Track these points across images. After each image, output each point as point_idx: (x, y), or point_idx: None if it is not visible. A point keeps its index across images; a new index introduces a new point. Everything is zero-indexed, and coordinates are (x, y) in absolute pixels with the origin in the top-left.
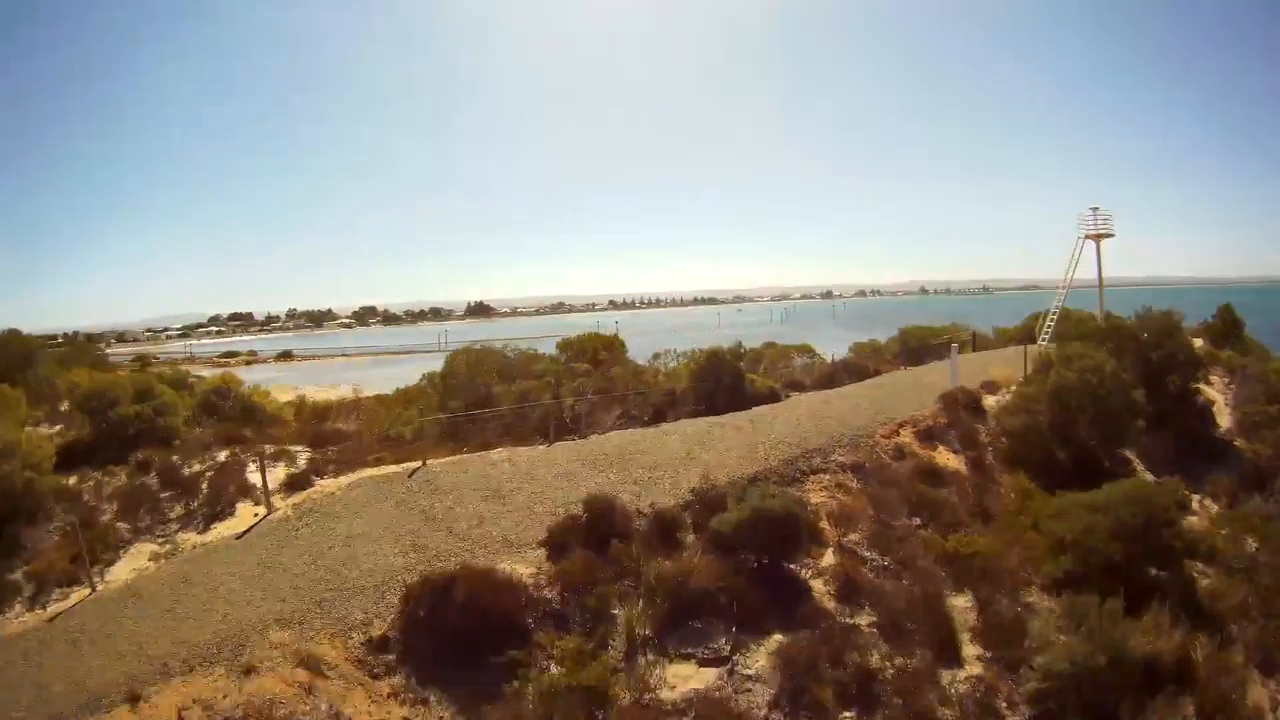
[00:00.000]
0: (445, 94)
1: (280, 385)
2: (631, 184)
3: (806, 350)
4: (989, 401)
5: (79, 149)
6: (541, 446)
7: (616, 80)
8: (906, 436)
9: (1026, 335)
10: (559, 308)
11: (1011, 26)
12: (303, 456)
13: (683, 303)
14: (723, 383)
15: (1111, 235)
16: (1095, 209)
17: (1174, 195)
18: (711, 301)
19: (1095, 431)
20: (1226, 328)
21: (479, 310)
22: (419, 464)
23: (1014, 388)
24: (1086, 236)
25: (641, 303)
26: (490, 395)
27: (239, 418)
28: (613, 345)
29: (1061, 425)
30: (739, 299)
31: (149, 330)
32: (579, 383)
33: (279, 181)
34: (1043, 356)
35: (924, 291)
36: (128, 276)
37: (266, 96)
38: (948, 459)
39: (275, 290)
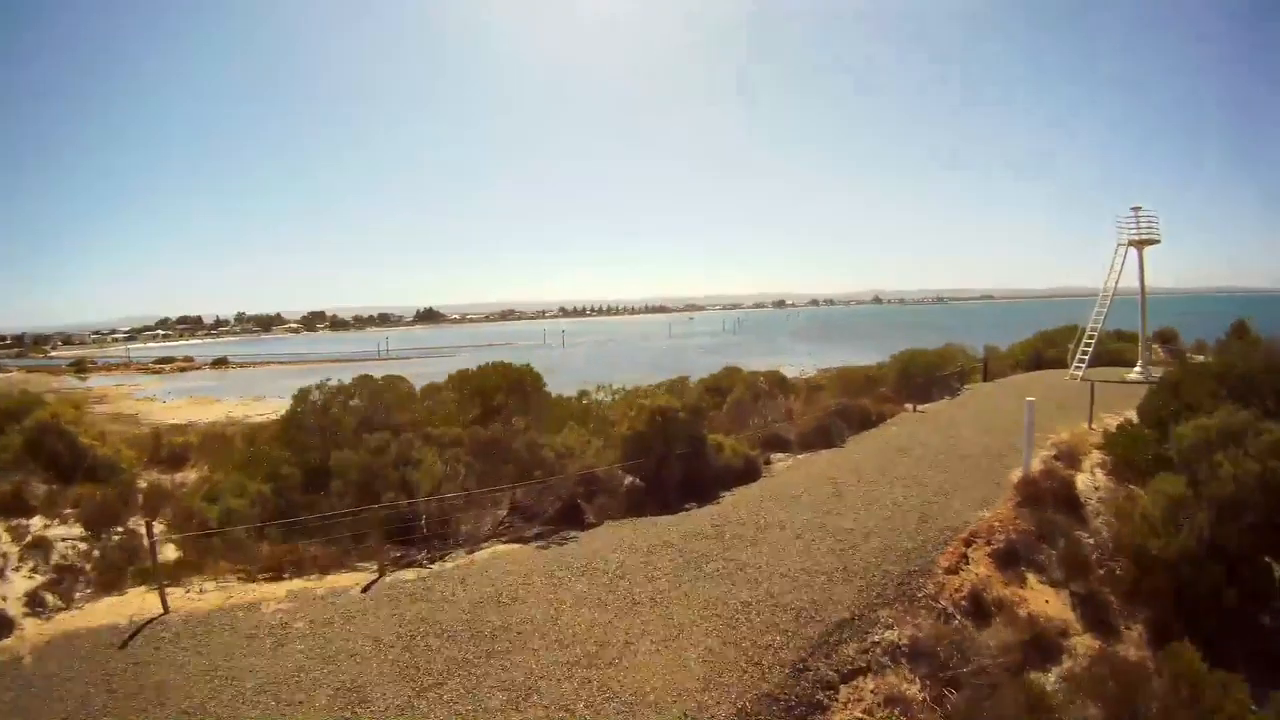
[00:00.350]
0: (413, 97)
1: (202, 397)
2: (588, 190)
3: (776, 378)
4: (1080, 483)
5: (47, 156)
6: (368, 579)
7: (575, 86)
8: (981, 564)
9: (1034, 358)
10: (508, 314)
11: (974, 25)
12: (68, 548)
13: (633, 311)
14: (673, 451)
15: (1157, 241)
16: (1137, 209)
17: (1122, 202)
18: (662, 310)
19: (1249, 541)
20: (1244, 349)
21: (427, 316)
22: (159, 611)
23: (1095, 454)
24: (1130, 243)
25: (592, 310)
26: (328, 468)
27: (67, 464)
28: (522, 384)
29: (1222, 541)
30: (690, 307)
31: (95, 333)
32: (450, 455)
33: (253, 183)
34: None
35: (878, 300)
36: (100, 277)
37: (244, 98)
38: (1047, 601)
39: (248, 292)
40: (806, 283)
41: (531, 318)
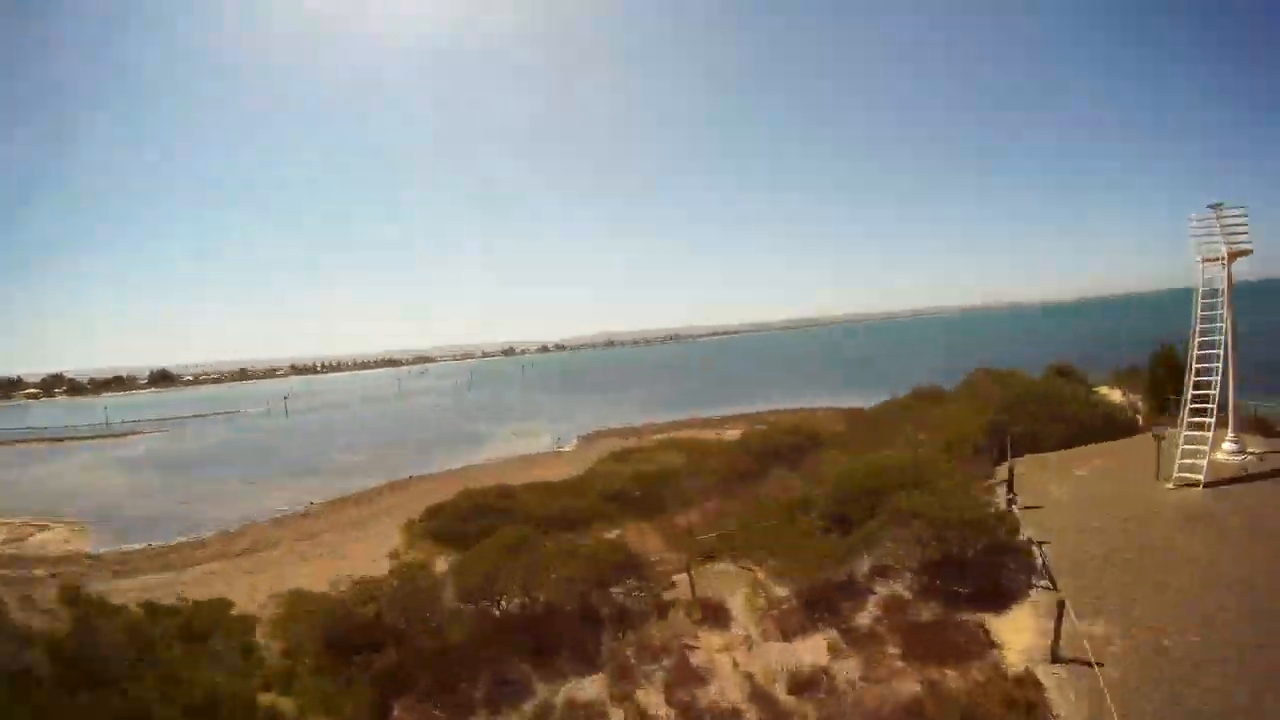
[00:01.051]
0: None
1: None
2: (316, 245)
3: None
4: None
5: None
6: None
7: (296, 135)
8: None
9: (994, 437)
10: (241, 374)
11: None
12: None
13: (365, 365)
14: None
15: (1248, 251)
16: (1217, 206)
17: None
18: (393, 363)
19: None
20: (1175, 378)
21: (161, 379)
22: None
23: None
24: (1229, 256)
25: (323, 366)
26: None
27: None
28: None
29: None
30: (421, 359)
31: None
32: None
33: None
34: None
35: (611, 344)
36: None
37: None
38: None
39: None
40: (535, 329)
41: (263, 377)
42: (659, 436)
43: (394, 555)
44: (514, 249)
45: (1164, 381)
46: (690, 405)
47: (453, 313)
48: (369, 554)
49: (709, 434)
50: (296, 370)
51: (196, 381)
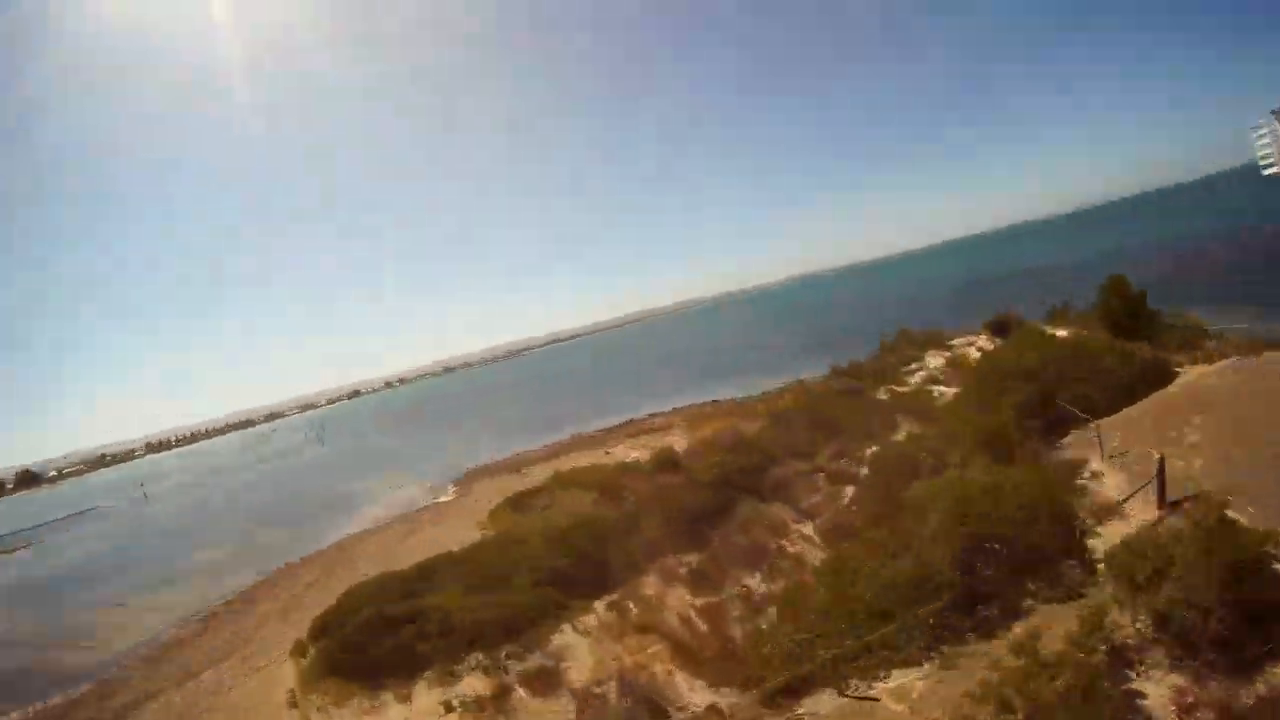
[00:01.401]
0: None
1: None
2: (141, 307)
3: None
4: None
5: None
6: None
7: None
8: None
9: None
10: (102, 460)
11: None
12: None
13: (217, 430)
14: None
15: None
16: (1278, 112)
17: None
18: (248, 424)
19: None
20: (1129, 309)
21: (27, 480)
22: None
23: None
24: None
25: (178, 439)
26: None
27: None
28: None
29: None
30: (272, 415)
31: None
32: None
33: None
34: None
35: (448, 370)
36: None
37: None
38: None
39: None
40: (375, 368)
41: (123, 459)
42: (541, 467)
43: (292, 702)
44: (337, 291)
45: (1118, 312)
46: (557, 425)
47: (296, 364)
48: (258, 699)
49: (596, 454)
50: (152, 448)
51: (61, 476)
